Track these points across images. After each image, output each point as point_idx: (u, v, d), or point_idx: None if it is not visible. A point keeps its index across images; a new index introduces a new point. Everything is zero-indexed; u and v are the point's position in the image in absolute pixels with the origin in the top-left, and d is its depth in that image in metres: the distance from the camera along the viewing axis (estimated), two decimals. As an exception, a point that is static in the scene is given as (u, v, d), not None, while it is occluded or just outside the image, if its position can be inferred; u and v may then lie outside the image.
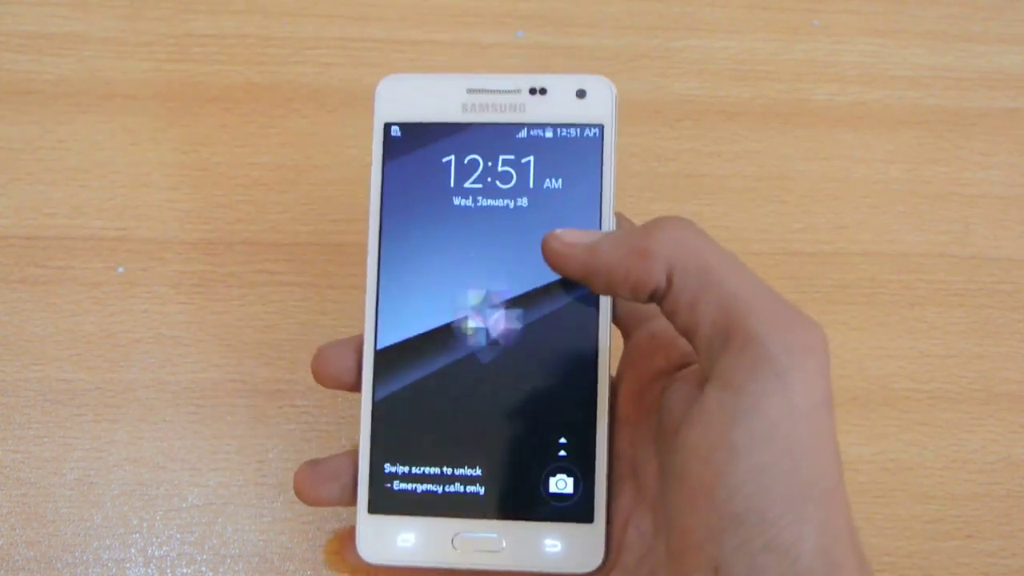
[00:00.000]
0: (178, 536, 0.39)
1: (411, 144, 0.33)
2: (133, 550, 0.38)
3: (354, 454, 0.32)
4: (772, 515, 0.24)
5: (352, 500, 0.32)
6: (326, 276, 0.42)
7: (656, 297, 0.28)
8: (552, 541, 0.31)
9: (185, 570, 0.38)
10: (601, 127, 0.32)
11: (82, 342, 0.41)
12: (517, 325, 0.32)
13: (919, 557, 0.39)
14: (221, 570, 0.38)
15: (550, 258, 0.30)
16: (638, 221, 0.44)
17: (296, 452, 0.40)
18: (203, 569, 0.38)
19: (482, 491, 0.31)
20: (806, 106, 0.46)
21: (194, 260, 0.42)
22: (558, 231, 0.30)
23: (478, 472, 0.31)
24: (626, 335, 0.33)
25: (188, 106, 0.45)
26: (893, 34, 0.48)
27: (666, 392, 0.29)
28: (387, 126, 0.33)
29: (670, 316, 0.28)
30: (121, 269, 0.42)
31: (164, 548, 0.38)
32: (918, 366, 0.42)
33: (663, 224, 0.28)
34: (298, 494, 0.33)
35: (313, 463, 0.33)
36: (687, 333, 0.28)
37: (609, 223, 0.32)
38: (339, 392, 0.34)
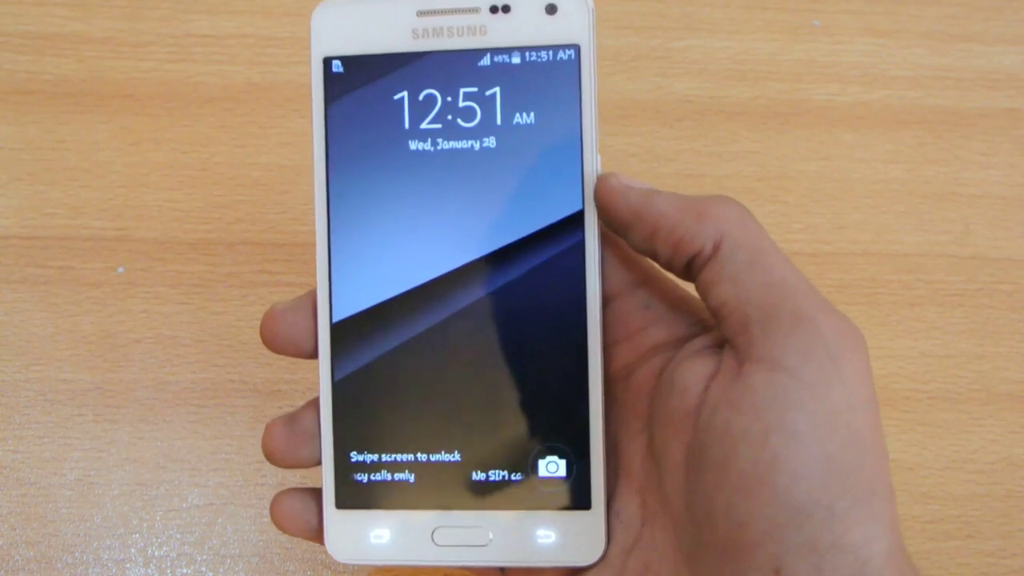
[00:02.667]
0: (178, 536, 0.38)
1: (356, 81, 0.28)
2: (133, 550, 0.38)
3: None
4: (840, 509, 0.22)
5: None
6: (326, 276, 0.42)
7: (696, 263, 0.26)
8: (545, 532, 0.27)
9: (185, 570, 0.38)
10: (577, 48, 0.27)
11: (82, 342, 0.41)
12: (491, 287, 0.28)
13: (919, 557, 0.39)
14: (221, 570, 0.38)
15: (603, 194, 0.27)
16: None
17: (296, 452, 0.40)
18: (203, 569, 0.38)
19: (463, 478, 0.28)
20: (806, 106, 0.46)
21: (194, 260, 0.42)
22: (617, 173, 0.27)
23: (457, 457, 0.28)
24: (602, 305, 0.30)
25: (188, 106, 0.45)
26: (893, 34, 0.48)
27: (676, 368, 0.27)
28: (327, 61, 0.28)
29: (706, 287, 0.26)
30: (121, 269, 0.42)
31: (164, 548, 0.38)
32: (918, 366, 0.42)
33: (723, 198, 0.27)
34: (270, 457, 0.28)
35: (289, 419, 0.29)
36: (722, 307, 0.26)
37: (593, 163, 0.28)
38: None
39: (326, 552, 0.38)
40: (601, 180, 0.28)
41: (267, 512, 0.39)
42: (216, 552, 0.38)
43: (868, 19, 0.48)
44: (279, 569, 0.38)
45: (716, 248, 0.26)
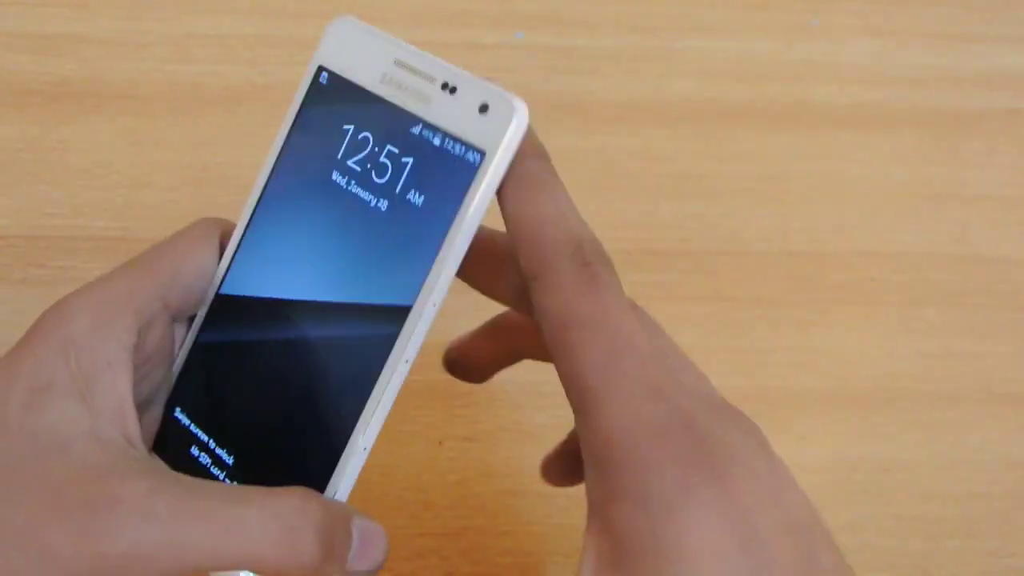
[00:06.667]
0: (179, 536, 0.38)
1: (329, 97, 0.30)
2: (134, 550, 0.38)
3: None
4: None
5: None
6: (326, 276, 0.42)
7: None
8: None
9: (186, 570, 0.38)
10: (482, 154, 0.27)
11: (83, 342, 0.41)
12: (311, 332, 0.29)
13: (919, 557, 0.39)
14: (222, 570, 0.38)
15: None
16: (642, 221, 0.44)
17: (296, 452, 0.40)
18: (204, 569, 0.38)
19: (233, 479, 0.29)
20: (806, 106, 0.46)
21: (195, 260, 0.42)
22: None
23: (230, 460, 0.29)
24: None
25: (188, 106, 0.45)
26: (893, 34, 0.48)
27: None
28: (320, 69, 0.30)
29: None
30: (122, 269, 0.42)
31: (165, 548, 0.38)
32: (918, 366, 0.42)
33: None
34: None
35: None
36: None
37: (447, 266, 0.27)
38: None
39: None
40: None
41: (268, 512, 0.39)
42: (217, 552, 0.38)
43: (868, 19, 0.48)
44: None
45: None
